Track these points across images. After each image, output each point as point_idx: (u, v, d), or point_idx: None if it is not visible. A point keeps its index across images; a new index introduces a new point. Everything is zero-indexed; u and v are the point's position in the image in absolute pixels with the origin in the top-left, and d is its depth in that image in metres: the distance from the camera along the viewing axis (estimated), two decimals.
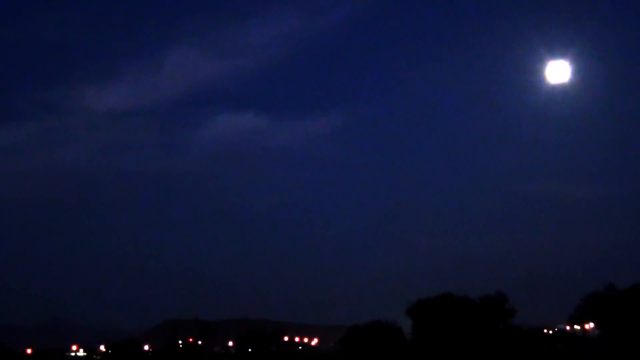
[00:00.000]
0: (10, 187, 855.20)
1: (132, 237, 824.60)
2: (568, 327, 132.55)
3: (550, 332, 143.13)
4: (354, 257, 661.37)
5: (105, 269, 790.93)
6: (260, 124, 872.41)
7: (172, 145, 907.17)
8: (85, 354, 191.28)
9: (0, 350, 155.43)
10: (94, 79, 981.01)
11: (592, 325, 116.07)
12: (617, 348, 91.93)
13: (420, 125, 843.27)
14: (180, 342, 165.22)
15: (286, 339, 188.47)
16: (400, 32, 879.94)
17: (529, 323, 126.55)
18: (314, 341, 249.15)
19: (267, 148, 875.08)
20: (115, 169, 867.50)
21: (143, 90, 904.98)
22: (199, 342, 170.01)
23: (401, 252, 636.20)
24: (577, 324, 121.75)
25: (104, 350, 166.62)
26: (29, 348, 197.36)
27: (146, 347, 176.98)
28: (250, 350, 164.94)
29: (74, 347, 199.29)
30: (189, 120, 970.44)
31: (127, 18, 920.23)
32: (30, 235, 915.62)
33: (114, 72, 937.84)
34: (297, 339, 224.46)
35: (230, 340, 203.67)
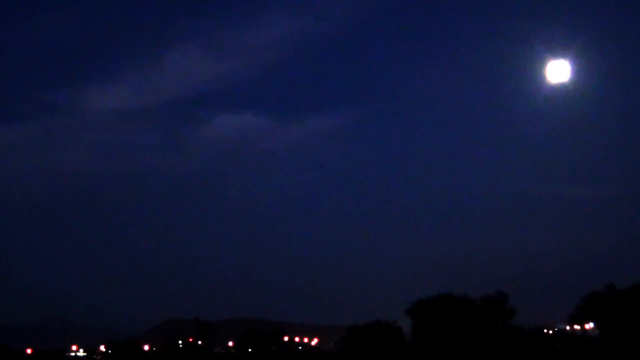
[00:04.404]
0: (11, 187, 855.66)
1: (132, 237, 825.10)
2: (568, 327, 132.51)
3: (550, 332, 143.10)
4: (354, 257, 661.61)
5: (105, 268, 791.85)
6: (260, 124, 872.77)
7: (172, 145, 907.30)
8: (85, 354, 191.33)
9: (0, 350, 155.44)
10: (94, 80, 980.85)
11: (592, 325, 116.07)
12: (617, 348, 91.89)
13: (420, 125, 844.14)
14: (180, 342, 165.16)
15: (286, 339, 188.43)
16: (400, 32, 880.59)
17: (529, 323, 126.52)
18: (314, 341, 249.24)
19: (268, 148, 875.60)
20: (116, 169, 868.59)
21: (143, 91, 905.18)
22: (199, 342, 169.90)
23: (401, 252, 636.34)
24: (577, 324, 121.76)
25: (104, 350, 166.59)
26: (29, 348, 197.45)
27: (146, 347, 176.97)
28: (250, 350, 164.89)
29: (74, 347, 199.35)
30: (189, 120, 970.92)
31: (127, 19, 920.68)
32: (30, 235, 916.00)
33: (114, 72, 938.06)
34: (297, 339, 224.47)
35: (230, 340, 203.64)
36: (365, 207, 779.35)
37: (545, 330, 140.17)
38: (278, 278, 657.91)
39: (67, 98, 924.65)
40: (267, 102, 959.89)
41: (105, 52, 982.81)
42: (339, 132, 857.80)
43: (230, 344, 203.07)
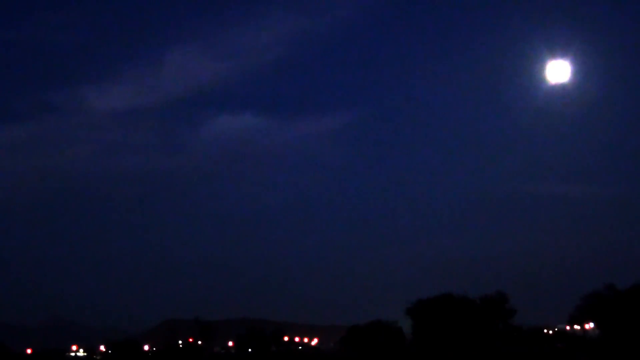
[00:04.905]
0: (11, 187, 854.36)
1: (132, 237, 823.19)
2: (568, 327, 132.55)
3: (550, 332, 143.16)
4: (354, 257, 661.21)
5: (105, 268, 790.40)
6: (260, 124, 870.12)
7: (172, 145, 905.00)
8: (85, 354, 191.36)
9: (0, 350, 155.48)
10: (94, 80, 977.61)
11: (592, 325, 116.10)
12: (617, 348, 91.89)
13: (420, 125, 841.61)
14: (180, 342, 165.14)
15: (286, 339, 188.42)
16: (401, 32, 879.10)
17: (529, 323, 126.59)
18: (314, 341, 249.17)
19: (267, 148, 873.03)
20: (116, 169, 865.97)
21: (143, 90, 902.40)
22: (199, 342, 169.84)
23: (401, 252, 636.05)
24: (577, 324, 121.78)
25: (104, 350, 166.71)
26: (29, 348, 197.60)
27: (146, 347, 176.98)
28: (250, 350, 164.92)
29: (74, 347, 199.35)
30: (189, 120, 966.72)
31: (127, 18, 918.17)
32: (30, 235, 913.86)
33: (114, 72, 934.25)
34: (297, 339, 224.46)
35: (230, 340, 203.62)
36: (365, 207, 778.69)
37: (545, 330, 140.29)
38: (278, 278, 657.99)
39: (67, 98, 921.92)
40: (267, 102, 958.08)
41: (105, 52, 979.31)
42: (338, 132, 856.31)
43: (230, 344, 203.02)
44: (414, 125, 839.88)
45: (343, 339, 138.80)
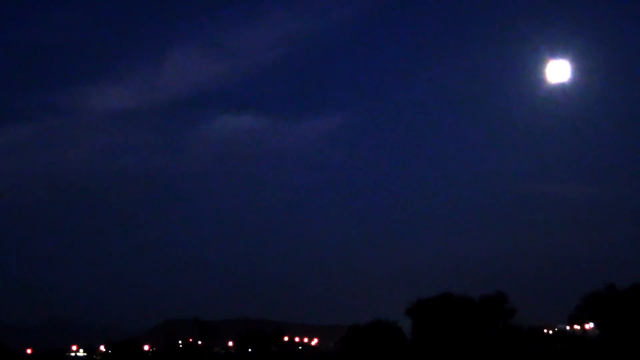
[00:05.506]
0: (11, 187, 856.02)
1: (132, 237, 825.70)
2: (568, 327, 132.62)
3: (550, 332, 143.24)
4: (354, 257, 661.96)
5: (105, 269, 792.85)
6: (260, 125, 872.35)
7: (172, 145, 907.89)
8: (85, 354, 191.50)
9: (0, 350, 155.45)
10: (94, 80, 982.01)
11: (592, 325, 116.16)
12: (617, 348, 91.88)
13: (420, 126, 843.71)
14: (180, 342, 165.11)
15: (286, 339, 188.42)
16: (400, 33, 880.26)
17: (529, 323, 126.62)
18: (314, 341, 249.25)
19: (267, 149, 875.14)
20: (116, 169, 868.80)
21: (143, 90, 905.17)
22: (199, 342, 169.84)
23: (401, 252, 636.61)
24: (577, 324, 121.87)
25: (104, 350, 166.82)
26: (29, 348, 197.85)
27: (146, 347, 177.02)
28: (250, 350, 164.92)
29: (74, 347, 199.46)
30: (189, 120, 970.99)
31: (127, 18, 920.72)
32: (30, 235, 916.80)
33: (114, 72, 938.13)
34: (297, 339, 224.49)
35: (230, 340, 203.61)
36: (365, 207, 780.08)
37: (545, 330, 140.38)
38: (278, 278, 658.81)
39: (67, 98, 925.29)
40: (267, 102, 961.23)
41: (106, 52, 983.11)
42: (338, 132, 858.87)
43: (230, 344, 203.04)
44: (414, 126, 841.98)
45: (343, 339, 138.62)
